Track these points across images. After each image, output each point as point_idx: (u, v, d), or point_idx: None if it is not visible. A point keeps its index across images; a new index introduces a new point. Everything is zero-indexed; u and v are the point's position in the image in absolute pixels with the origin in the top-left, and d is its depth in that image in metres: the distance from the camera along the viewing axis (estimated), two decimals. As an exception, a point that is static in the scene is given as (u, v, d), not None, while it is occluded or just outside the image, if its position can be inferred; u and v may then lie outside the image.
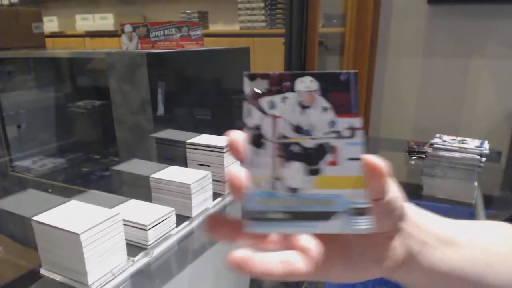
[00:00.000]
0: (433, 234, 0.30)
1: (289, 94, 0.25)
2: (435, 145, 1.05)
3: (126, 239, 0.60)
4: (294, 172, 0.25)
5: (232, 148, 0.25)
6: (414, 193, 1.08)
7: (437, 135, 1.12)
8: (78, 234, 0.50)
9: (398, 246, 0.28)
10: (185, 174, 0.76)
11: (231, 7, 2.85)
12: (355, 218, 0.25)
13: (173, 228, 0.70)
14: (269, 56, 2.41)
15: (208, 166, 0.85)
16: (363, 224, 0.25)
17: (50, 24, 3.42)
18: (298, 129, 0.25)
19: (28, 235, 0.57)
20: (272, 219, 0.25)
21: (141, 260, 0.62)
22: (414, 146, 1.28)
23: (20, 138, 1.55)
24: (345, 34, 2.13)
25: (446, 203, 0.99)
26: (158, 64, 0.99)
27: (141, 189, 0.77)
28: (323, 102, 0.25)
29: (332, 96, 0.25)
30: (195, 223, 0.75)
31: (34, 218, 0.55)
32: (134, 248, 0.64)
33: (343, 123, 0.25)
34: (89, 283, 0.53)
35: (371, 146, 1.62)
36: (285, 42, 1.54)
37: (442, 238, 0.30)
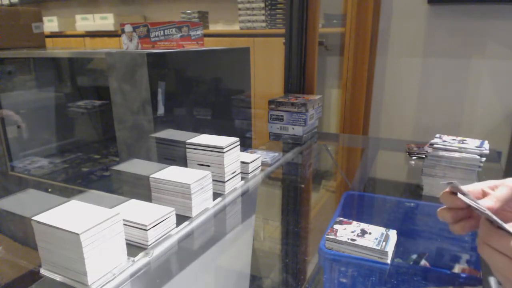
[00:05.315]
0: None
1: None
2: (435, 145, 1.05)
3: (126, 239, 0.60)
4: None
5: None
6: (414, 193, 1.08)
7: (437, 135, 1.12)
8: (78, 234, 0.50)
9: None
10: (185, 174, 0.76)
11: (231, 7, 2.85)
12: None
13: (173, 228, 0.70)
14: (269, 56, 2.41)
15: (208, 166, 0.85)
16: None
17: (50, 24, 3.42)
18: None
19: (28, 235, 0.57)
20: None
21: (141, 260, 0.62)
22: (415, 148, 1.28)
23: (20, 138, 1.55)
24: (345, 34, 2.13)
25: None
26: (158, 64, 0.99)
27: (141, 189, 0.77)
28: None
29: None
30: (195, 223, 0.75)
31: (34, 218, 0.55)
32: (134, 248, 0.64)
33: None
34: (89, 283, 0.53)
35: (371, 146, 1.62)
36: (285, 42, 1.54)
37: None
